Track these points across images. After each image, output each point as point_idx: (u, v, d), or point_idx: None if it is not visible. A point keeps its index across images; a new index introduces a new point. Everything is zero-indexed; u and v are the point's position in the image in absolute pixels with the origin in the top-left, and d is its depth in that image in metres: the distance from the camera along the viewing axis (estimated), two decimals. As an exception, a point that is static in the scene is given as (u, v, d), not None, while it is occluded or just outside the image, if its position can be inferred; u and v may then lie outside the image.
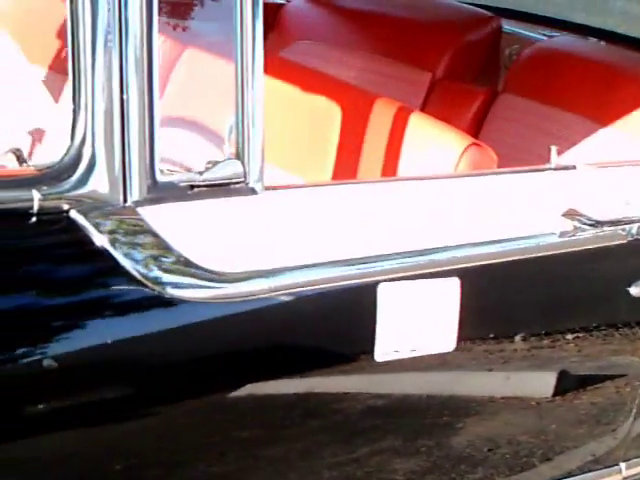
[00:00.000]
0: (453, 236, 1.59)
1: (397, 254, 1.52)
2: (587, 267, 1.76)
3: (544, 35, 2.97)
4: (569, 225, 1.69)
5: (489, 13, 3.01)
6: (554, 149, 1.79)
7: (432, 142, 1.84)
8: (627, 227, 1.75)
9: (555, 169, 1.80)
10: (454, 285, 1.56)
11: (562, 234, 1.69)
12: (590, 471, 1.90)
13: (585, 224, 1.69)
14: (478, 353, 1.67)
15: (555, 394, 1.83)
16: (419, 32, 2.92)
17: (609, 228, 1.72)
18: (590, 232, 1.70)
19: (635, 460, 1.97)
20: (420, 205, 1.65)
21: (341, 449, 1.66)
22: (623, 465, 1.95)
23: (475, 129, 2.70)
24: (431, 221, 1.61)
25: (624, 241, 1.75)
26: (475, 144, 1.80)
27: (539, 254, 1.70)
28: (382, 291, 1.51)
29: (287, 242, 1.46)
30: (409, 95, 2.85)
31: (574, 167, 1.83)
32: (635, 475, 1.96)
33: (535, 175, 1.80)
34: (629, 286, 1.79)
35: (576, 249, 1.72)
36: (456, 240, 1.59)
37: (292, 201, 1.53)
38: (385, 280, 1.51)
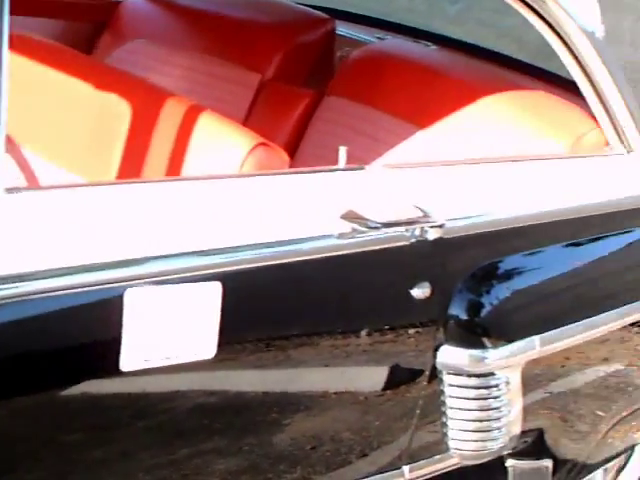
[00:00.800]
0: (221, 238, 1.55)
1: (147, 258, 1.48)
2: (369, 269, 1.75)
3: (378, 38, 2.97)
4: (348, 227, 1.66)
5: (323, 15, 2.98)
6: (343, 150, 1.76)
7: (219, 141, 1.81)
8: (410, 229, 1.73)
9: (343, 170, 1.77)
10: (214, 290, 1.52)
11: (341, 236, 1.67)
12: (372, 475, 1.88)
13: (365, 226, 1.66)
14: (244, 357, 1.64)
15: (341, 397, 1.80)
16: (251, 32, 2.90)
17: (391, 230, 1.70)
18: (370, 234, 1.68)
19: (418, 463, 1.95)
20: (198, 206, 1.61)
21: (160, 452, 1.64)
22: (406, 468, 1.93)
23: (299, 131, 2.68)
24: (202, 223, 1.57)
25: (407, 243, 1.74)
26: (263, 144, 1.77)
27: (317, 256, 1.67)
28: (129, 297, 1.46)
29: (34, 246, 1.41)
30: (237, 96, 2.83)
31: (362, 168, 1.81)
32: (418, 478, 1.95)
33: (323, 176, 1.78)
34: (411, 288, 1.77)
35: (356, 251, 1.70)
36: (223, 242, 1.55)
37: (48, 201, 1.47)
38: (133, 285, 1.45)
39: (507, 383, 1.97)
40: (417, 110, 2.50)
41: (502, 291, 1.93)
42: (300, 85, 2.83)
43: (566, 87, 2.41)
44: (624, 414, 2.55)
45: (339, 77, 2.71)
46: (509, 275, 1.96)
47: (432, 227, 1.73)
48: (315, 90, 2.76)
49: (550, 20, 2.01)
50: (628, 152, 2.36)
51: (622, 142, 2.34)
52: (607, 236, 2.19)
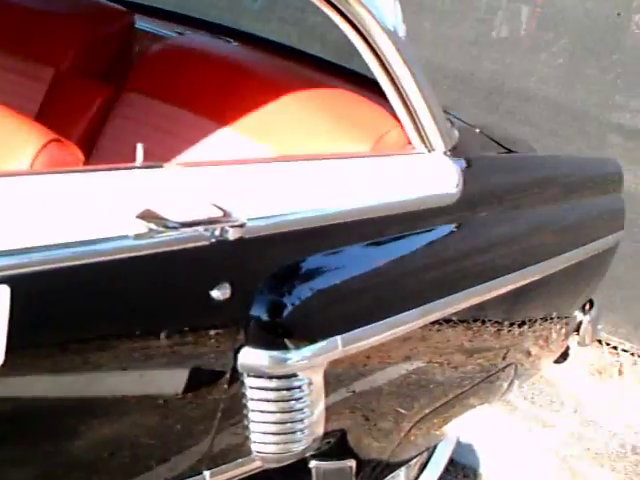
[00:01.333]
0: (9, 240, 1.46)
1: None
2: (167, 271, 1.68)
3: (177, 33, 2.90)
4: (145, 227, 1.59)
5: (121, 8, 2.90)
6: (140, 147, 1.70)
7: (8, 138, 1.70)
8: (210, 228, 1.67)
9: (140, 168, 1.70)
10: (2, 294, 1.43)
11: (137, 236, 1.59)
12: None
13: (162, 226, 1.60)
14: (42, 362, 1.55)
15: (140, 401, 1.74)
16: (45, 24, 2.80)
17: (189, 230, 1.64)
18: (169, 234, 1.61)
19: (220, 468, 1.90)
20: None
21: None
22: (207, 473, 1.88)
23: (96, 128, 2.60)
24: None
25: (206, 243, 1.68)
26: (56, 140, 1.68)
27: (113, 257, 1.59)
28: None
29: None
30: (30, 91, 2.73)
31: (161, 166, 1.74)
32: (219, 484, 1.91)
33: (119, 174, 1.70)
34: (212, 289, 1.72)
35: (154, 252, 1.63)
36: (11, 244, 1.46)
37: None
38: None
39: (310, 384, 1.94)
40: (218, 107, 2.46)
41: (304, 291, 1.90)
42: (98, 80, 2.74)
43: (369, 86, 2.41)
44: (426, 411, 2.56)
45: (137, 73, 2.63)
46: (311, 275, 1.93)
47: (232, 227, 1.68)
48: (113, 85, 2.68)
49: (352, 18, 2.00)
50: (429, 151, 2.37)
51: (423, 141, 2.35)
52: (409, 235, 2.20)
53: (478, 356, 2.72)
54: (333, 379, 2.05)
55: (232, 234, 1.69)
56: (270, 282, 1.85)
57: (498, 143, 2.85)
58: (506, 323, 2.72)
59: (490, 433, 3.81)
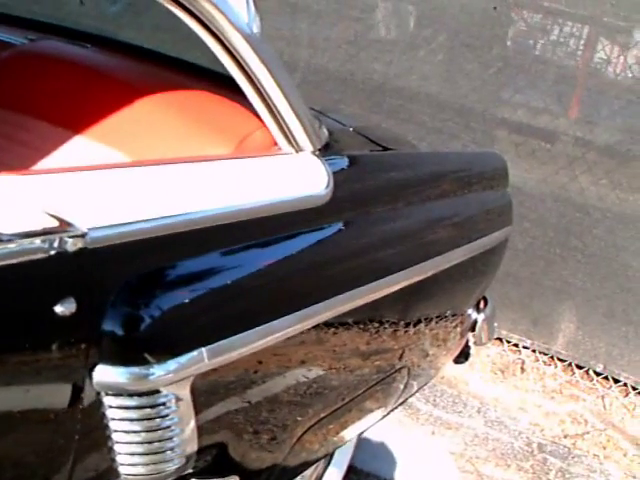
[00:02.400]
0: None
1: None
2: (5, 286, 1.55)
3: (29, 40, 2.77)
4: (-24, 240, 1.47)
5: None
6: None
7: None
8: (48, 239, 1.55)
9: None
10: None
11: (-29, 251, 1.47)
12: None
13: (-4, 239, 1.48)
14: None
15: None
16: None
17: (25, 242, 1.52)
18: (2, 247, 1.49)
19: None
20: None
21: None
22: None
23: None
24: None
25: (45, 255, 1.56)
26: None
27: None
28: None
29: None
30: None
31: (-5, 176, 1.63)
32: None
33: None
34: (54, 305, 1.60)
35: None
36: None
37: None
38: None
39: (176, 400, 1.83)
40: (71, 114, 2.36)
41: (162, 301, 1.79)
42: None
43: (232, 87, 2.30)
44: (318, 417, 2.49)
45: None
46: (169, 284, 1.83)
47: (73, 237, 1.57)
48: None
49: (201, 17, 1.90)
50: (297, 152, 2.28)
51: (290, 142, 2.27)
52: (276, 239, 2.10)
53: (371, 358, 2.65)
54: (204, 392, 1.95)
55: (72, 245, 1.57)
56: (123, 293, 1.73)
57: (373, 141, 2.78)
58: (399, 323, 2.66)
59: (393, 437, 3.74)
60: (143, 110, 2.31)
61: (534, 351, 5.05)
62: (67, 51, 2.62)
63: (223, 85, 2.41)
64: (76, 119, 2.35)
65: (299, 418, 2.46)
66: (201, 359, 1.86)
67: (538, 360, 5.02)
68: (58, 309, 1.61)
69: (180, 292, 1.86)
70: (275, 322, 2.07)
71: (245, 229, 2.04)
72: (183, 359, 1.83)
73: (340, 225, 2.35)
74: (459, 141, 4.50)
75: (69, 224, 1.59)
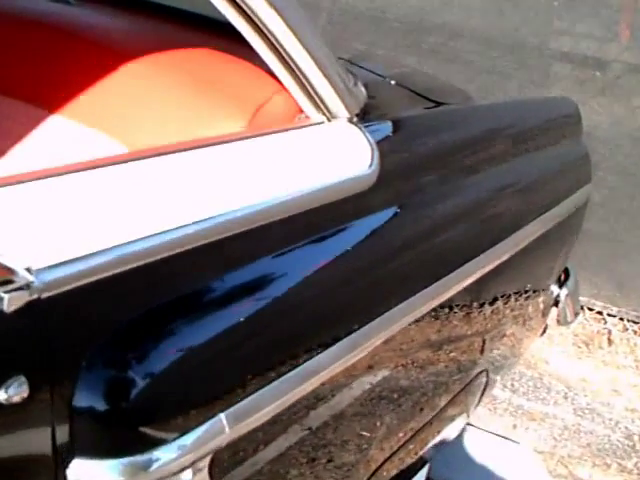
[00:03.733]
0: None
1: None
2: None
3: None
4: None
5: None
6: None
7: None
8: None
9: None
10: None
11: None
12: None
13: None
14: None
15: None
16: None
17: None
18: None
19: None
20: None
21: None
22: None
23: None
24: None
25: None
26: None
27: None
28: None
29: None
30: None
31: None
32: None
33: None
34: None
35: None
36: None
37: None
38: None
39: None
40: (44, 88, 1.88)
41: (158, 355, 1.27)
42: None
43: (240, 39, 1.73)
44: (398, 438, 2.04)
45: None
46: (166, 331, 1.29)
47: (10, 291, 1.01)
48: None
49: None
50: (329, 120, 1.72)
51: (318, 107, 1.71)
52: (308, 248, 1.57)
53: (449, 365, 2.23)
54: (229, 473, 1.44)
55: (12, 303, 1.02)
56: (101, 352, 1.20)
57: (421, 95, 2.21)
58: (476, 313, 2.20)
59: (468, 435, 3.12)
60: (132, 78, 1.80)
61: (621, 319, 4.39)
62: (33, 7, 2.05)
63: (228, 38, 1.84)
64: (48, 93, 1.83)
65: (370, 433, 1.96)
66: (220, 429, 1.32)
67: (627, 330, 4.37)
68: (1, 396, 1.07)
69: (184, 338, 1.31)
70: (322, 356, 1.53)
71: (266, 238, 1.51)
72: (196, 434, 1.30)
73: (390, 211, 1.82)
74: (513, 81, 3.92)
75: (10, 270, 1.04)
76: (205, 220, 1.39)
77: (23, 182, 1.19)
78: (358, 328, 1.67)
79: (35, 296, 1.10)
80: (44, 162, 1.74)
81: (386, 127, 1.92)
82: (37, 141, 1.81)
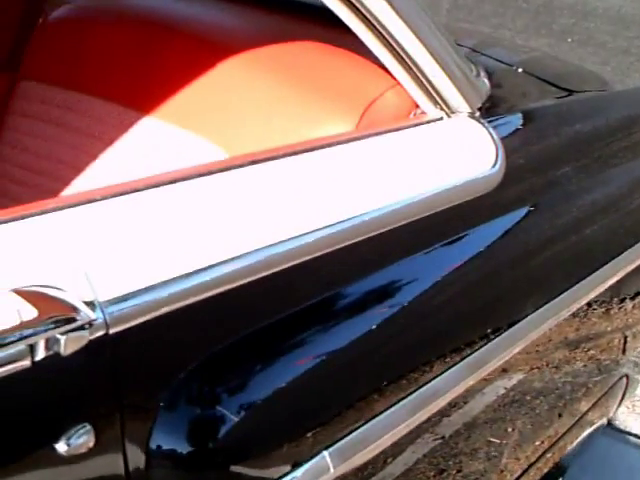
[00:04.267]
0: None
1: None
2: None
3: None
4: None
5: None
6: None
7: None
8: (32, 341, 0.89)
9: None
10: None
11: None
12: None
13: None
14: None
15: None
16: None
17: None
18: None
19: None
20: None
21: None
22: None
23: None
24: None
25: (27, 364, 0.89)
26: None
27: None
28: None
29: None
30: None
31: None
32: None
33: None
34: (56, 442, 0.93)
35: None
36: None
37: None
38: None
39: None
40: (137, 89, 1.75)
41: (251, 390, 1.11)
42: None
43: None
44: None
45: (32, 52, 1.89)
46: (258, 361, 1.14)
47: (74, 330, 0.88)
48: (9, 73, 1.94)
49: None
50: (448, 115, 1.55)
51: (436, 101, 1.54)
52: (440, 248, 1.41)
53: (588, 357, 2.05)
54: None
55: (68, 344, 0.88)
56: (183, 387, 1.05)
57: (551, 83, 2.01)
58: (617, 307, 2.05)
59: (603, 439, 2.83)
60: (231, 75, 1.67)
61: None
62: (132, 4, 1.91)
63: (334, 28, 1.68)
64: (140, 94, 1.69)
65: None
66: (324, 468, 1.16)
67: None
68: (61, 448, 0.93)
69: (278, 366, 1.17)
70: (451, 372, 1.43)
71: (387, 246, 1.35)
72: (295, 474, 1.13)
73: (523, 211, 1.66)
74: (652, 63, 3.67)
75: (67, 307, 0.90)
76: (311, 233, 1.23)
77: (92, 201, 1.05)
78: (494, 337, 1.51)
79: (100, 333, 0.95)
80: (135, 167, 1.61)
81: (513, 121, 1.74)
82: (129, 145, 1.68)
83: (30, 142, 1.82)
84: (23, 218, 0.95)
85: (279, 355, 1.20)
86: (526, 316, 1.59)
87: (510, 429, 1.87)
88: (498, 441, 1.83)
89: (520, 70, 2.07)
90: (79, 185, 1.73)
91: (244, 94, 1.63)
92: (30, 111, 1.84)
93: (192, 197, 1.15)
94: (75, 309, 0.91)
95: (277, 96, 1.61)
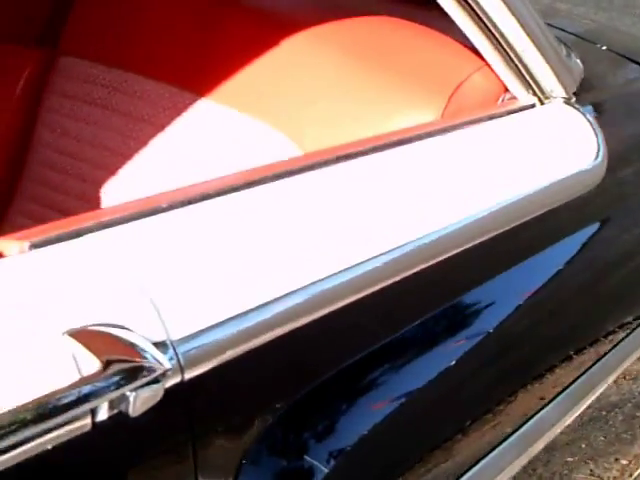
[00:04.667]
0: None
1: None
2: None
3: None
4: None
5: None
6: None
7: None
8: (97, 401, 0.72)
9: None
10: None
11: None
12: None
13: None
14: None
15: None
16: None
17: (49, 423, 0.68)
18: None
19: None
20: None
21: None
22: None
23: (29, 107, 1.74)
24: None
25: (91, 428, 0.73)
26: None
27: None
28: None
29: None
30: None
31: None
32: None
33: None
34: None
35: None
36: None
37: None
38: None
39: None
40: (187, 66, 1.58)
41: (337, 436, 0.93)
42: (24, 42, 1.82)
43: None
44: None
45: (72, 26, 1.74)
46: (358, 400, 0.97)
47: (138, 389, 0.70)
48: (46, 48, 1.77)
49: None
50: (541, 101, 1.37)
51: (528, 85, 1.35)
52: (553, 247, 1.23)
53: None
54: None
55: (140, 402, 0.70)
56: (267, 443, 0.87)
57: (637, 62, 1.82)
58: None
59: None
60: (299, 55, 1.50)
61: None
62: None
63: (414, 3, 1.49)
64: (196, 74, 1.52)
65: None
66: None
67: None
68: None
69: (380, 402, 1.00)
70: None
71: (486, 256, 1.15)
72: None
73: (620, 213, 1.44)
74: None
75: (135, 352, 0.72)
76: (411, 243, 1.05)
77: (156, 211, 0.86)
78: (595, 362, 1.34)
79: (175, 381, 0.77)
80: (189, 155, 1.43)
81: (609, 107, 1.54)
82: (182, 130, 1.51)
83: (71, 125, 1.65)
84: (68, 236, 0.77)
85: (361, 396, 1.02)
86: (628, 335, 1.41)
87: (584, 445, 1.74)
88: (571, 459, 1.72)
89: (603, 47, 1.88)
90: (126, 175, 1.56)
91: (311, 75, 1.45)
92: (71, 91, 1.67)
93: (272, 202, 0.97)
94: (144, 354, 0.73)
95: (348, 78, 1.43)
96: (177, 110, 1.53)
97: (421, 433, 1.10)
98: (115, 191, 1.55)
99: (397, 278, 1.02)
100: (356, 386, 1.02)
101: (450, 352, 1.12)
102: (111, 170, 1.56)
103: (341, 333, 0.99)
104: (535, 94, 1.43)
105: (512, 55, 1.37)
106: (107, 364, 0.70)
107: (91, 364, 0.70)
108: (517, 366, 1.28)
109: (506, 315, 1.22)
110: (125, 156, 1.56)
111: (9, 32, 1.84)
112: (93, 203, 1.56)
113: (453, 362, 1.12)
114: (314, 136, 1.39)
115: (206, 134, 1.50)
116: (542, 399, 1.30)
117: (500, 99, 1.44)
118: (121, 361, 0.71)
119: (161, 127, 1.53)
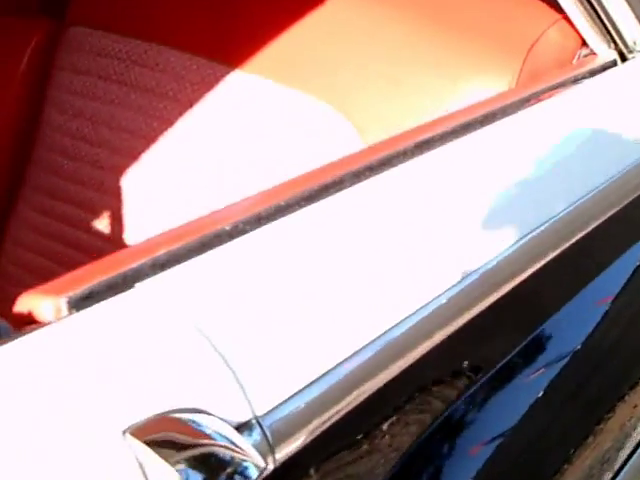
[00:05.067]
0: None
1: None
2: None
3: None
4: None
5: None
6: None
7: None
8: None
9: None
10: None
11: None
12: None
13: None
14: None
15: None
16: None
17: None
18: None
19: None
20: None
21: None
22: None
23: (35, 86, 1.56)
24: None
25: None
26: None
27: None
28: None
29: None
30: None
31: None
32: None
33: None
34: None
35: None
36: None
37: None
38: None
39: None
40: (213, 32, 1.38)
41: None
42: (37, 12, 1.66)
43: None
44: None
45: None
46: None
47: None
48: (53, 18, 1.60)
49: None
50: (622, 58, 1.26)
51: (611, 38, 1.16)
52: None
53: None
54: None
55: None
56: None
57: None
58: None
59: None
60: (348, 17, 1.31)
61: None
62: None
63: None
64: (227, 42, 1.34)
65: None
66: None
67: None
68: None
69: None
70: None
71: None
72: None
73: None
74: None
75: (231, 450, 0.54)
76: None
77: (219, 234, 0.68)
78: None
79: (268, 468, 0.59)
80: (222, 135, 1.26)
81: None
82: (214, 107, 1.32)
83: (84, 105, 1.47)
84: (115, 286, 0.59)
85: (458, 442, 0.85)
86: None
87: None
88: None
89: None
90: (149, 160, 1.38)
91: (361, 39, 1.27)
92: (83, 66, 1.48)
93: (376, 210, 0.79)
94: (241, 455, 0.55)
95: (405, 41, 1.25)
96: (206, 84, 1.35)
97: (525, 472, 0.94)
98: (138, 180, 1.38)
99: (488, 303, 0.84)
100: (452, 434, 0.85)
101: (543, 378, 0.95)
102: (132, 155, 1.39)
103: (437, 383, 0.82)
104: (617, 48, 1.23)
105: (594, 2, 1.19)
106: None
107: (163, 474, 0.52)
108: (612, 379, 1.11)
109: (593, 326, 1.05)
110: (148, 139, 1.38)
111: (9, 1, 1.66)
112: (112, 194, 1.39)
113: (548, 389, 0.95)
114: (364, 107, 1.21)
115: (241, 110, 1.31)
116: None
117: (577, 55, 1.25)
118: (208, 460, 0.53)
119: (189, 104, 1.36)
